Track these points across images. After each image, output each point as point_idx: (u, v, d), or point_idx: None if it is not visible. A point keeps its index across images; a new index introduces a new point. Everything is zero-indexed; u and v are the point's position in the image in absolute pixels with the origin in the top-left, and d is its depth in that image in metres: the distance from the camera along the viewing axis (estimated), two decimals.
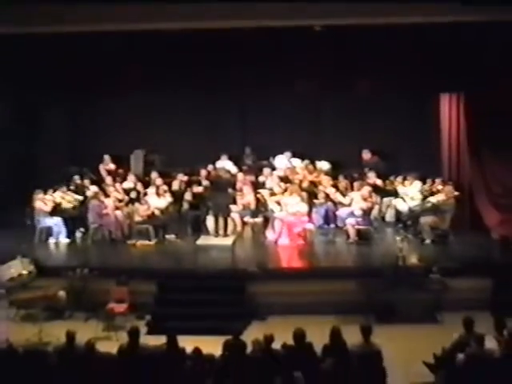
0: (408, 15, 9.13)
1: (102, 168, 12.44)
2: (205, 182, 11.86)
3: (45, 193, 11.22)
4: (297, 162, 12.56)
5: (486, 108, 10.21)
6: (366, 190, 11.27)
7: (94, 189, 11.50)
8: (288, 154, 12.62)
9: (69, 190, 11.64)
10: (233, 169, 12.38)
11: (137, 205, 11.23)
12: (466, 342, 6.31)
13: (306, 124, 12.66)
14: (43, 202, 11.00)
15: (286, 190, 11.26)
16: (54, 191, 11.44)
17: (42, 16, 8.95)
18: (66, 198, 11.36)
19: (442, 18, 9.14)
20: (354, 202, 10.96)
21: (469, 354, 6.10)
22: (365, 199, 11.02)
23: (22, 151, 12.21)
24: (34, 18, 9.00)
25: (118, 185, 11.90)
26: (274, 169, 12.39)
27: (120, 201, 11.44)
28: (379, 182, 11.75)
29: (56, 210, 11.11)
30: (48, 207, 10.98)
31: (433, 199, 10.77)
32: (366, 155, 12.25)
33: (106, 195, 11.47)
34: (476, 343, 6.17)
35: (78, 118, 12.96)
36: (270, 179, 11.95)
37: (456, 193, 10.72)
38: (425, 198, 11.03)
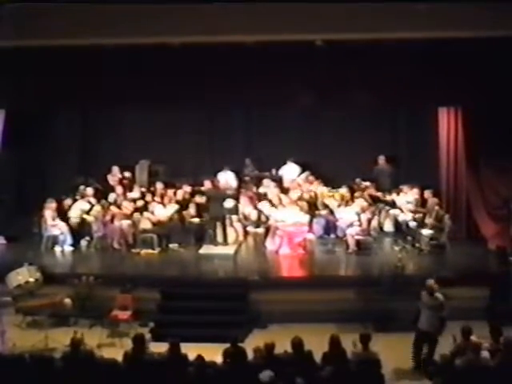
0: (407, 30, 9.30)
1: (110, 178, 12.55)
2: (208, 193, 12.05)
3: (57, 202, 11.42)
4: (298, 172, 12.70)
5: (484, 120, 10.36)
6: (366, 201, 11.48)
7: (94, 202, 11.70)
8: (290, 164, 12.77)
9: (75, 200, 11.81)
10: (235, 180, 12.56)
11: (142, 214, 11.41)
12: (463, 350, 6.46)
13: (308, 136, 12.78)
14: (53, 222, 11.19)
15: (287, 201, 11.46)
16: (73, 201, 11.66)
17: (52, 29, 9.13)
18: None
19: (440, 34, 9.29)
20: (354, 213, 11.15)
21: (465, 361, 6.22)
22: (364, 210, 11.22)
23: (30, 161, 12.35)
24: (44, 31, 9.18)
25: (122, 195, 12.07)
26: (275, 180, 12.56)
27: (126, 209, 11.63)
28: (379, 193, 11.93)
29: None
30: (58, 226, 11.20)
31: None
32: (381, 161, 12.45)
33: (111, 205, 11.66)
34: (472, 351, 6.32)
35: (86, 128, 13.09)
36: (270, 190, 12.11)
37: (437, 207, 10.91)
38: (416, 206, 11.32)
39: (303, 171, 12.69)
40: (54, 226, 11.20)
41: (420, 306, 7.67)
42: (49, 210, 11.27)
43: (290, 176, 12.66)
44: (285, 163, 12.77)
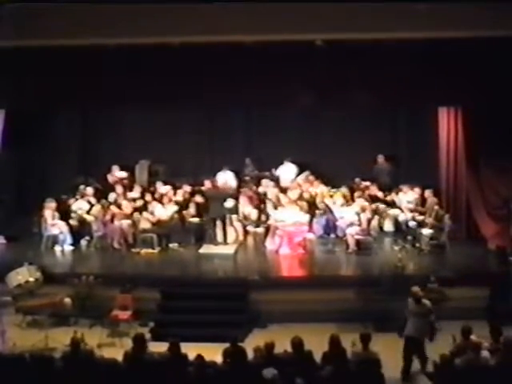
0: (407, 30, 9.30)
1: (110, 178, 12.56)
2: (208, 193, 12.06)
3: (57, 202, 11.43)
4: (295, 172, 12.70)
5: (484, 120, 10.36)
6: (366, 200, 11.49)
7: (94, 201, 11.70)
8: (287, 164, 12.79)
9: (75, 200, 11.82)
10: (235, 180, 12.56)
11: (142, 213, 11.41)
12: (463, 349, 6.46)
13: (308, 136, 12.80)
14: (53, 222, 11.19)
15: (285, 201, 11.45)
16: (74, 201, 11.63)
17: (52, 29, 9.14)
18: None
19: (440, 34, 9.29)
20: (354, 213, 11.16)
21: (465, 361, 6.23)
22: (364, 210, 11.23)
23: (30, 161, 12.37)
24: (44, 31, 9.18)
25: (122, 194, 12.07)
26: (274, 180, 12.56)
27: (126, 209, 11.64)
28: (379, 193, 11.95)
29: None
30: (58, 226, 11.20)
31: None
32: (381, 159, 12.51)
33: (111, 204, 11.66)
34: (472, 351, 6.33)
35: (86, 128, 13.12)
36: (270, 190, 12.11)
37: (437, 207, 10.95)
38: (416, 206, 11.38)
39: (301, 171, 12.70)
40: (54, 226, 11.21)
41: (406, 314, 7.64)
42: (49, 210, 11.29)
43: (287, 176, 12.68)
44: (282, 163, 12.79)
